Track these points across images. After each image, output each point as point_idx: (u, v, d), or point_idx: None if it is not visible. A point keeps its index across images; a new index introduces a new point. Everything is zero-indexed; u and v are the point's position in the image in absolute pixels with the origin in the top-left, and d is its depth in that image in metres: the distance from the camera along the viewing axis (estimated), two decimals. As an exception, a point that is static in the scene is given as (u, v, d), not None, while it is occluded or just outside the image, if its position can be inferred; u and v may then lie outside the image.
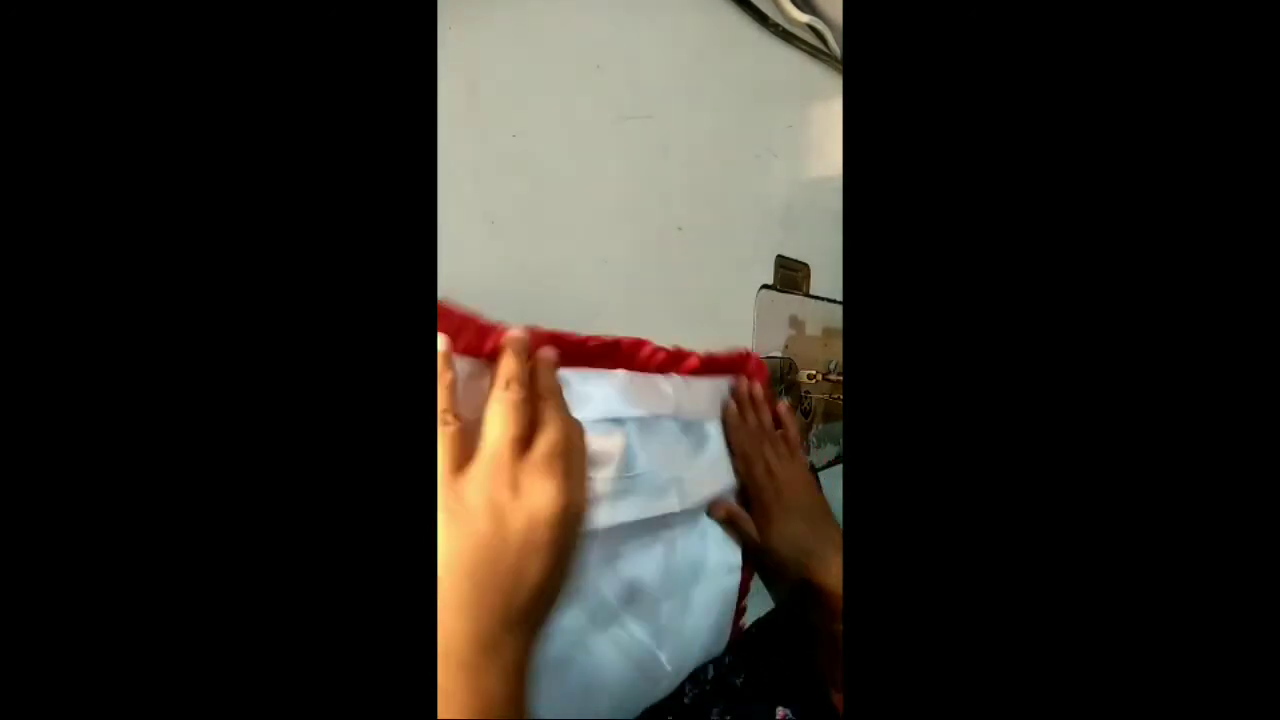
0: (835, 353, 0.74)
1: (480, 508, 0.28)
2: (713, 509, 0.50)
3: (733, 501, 0.52)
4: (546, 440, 0.31)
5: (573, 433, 0.32)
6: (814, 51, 0.66)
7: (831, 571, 0.48)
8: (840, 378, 0.74)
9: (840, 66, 0.68)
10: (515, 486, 0.29)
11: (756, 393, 0.53)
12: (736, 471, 0.52)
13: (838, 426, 0.76)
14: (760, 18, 0.59)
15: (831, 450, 0.76)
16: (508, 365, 0.32)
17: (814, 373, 0.70)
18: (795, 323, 0.67)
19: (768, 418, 0.54)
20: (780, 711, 0.59)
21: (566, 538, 0.30)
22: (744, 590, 0.55)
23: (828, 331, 0.73)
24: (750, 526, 0.50)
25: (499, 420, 0.30)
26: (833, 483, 0.74)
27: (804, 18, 0.63)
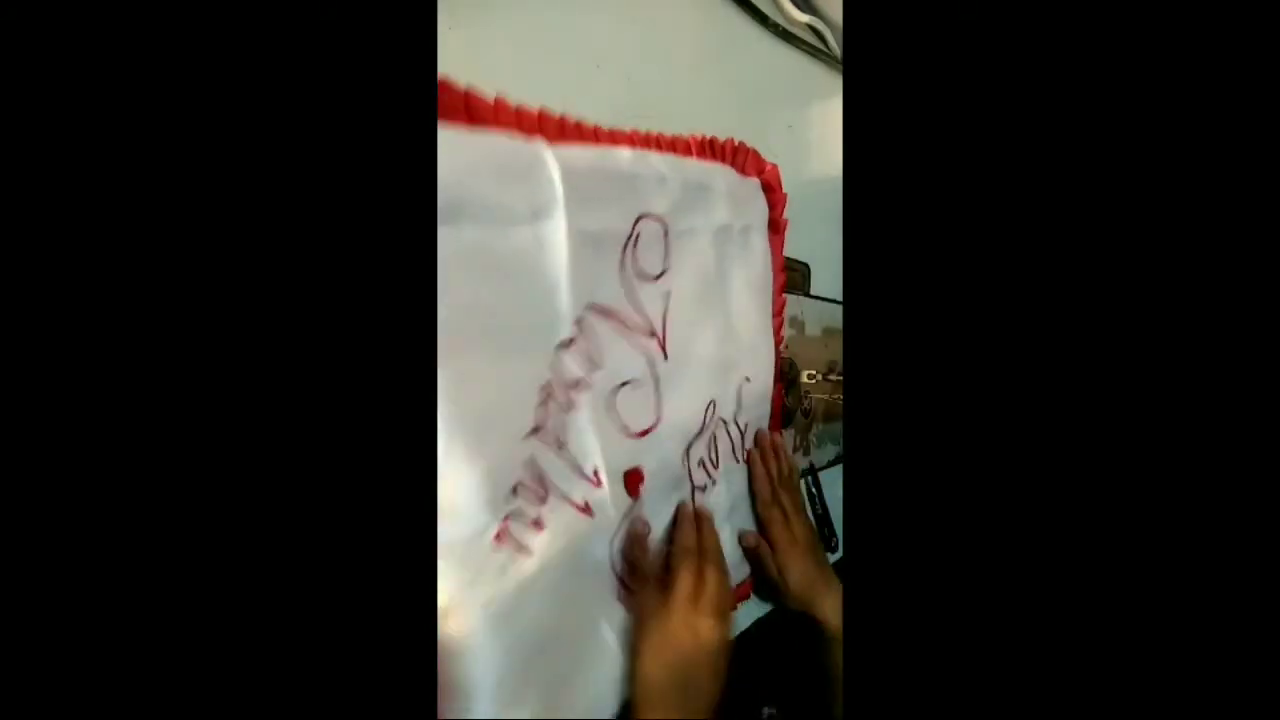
0: (835, 353, 0.74)
1: (682, 632, 0.42)
2: (743, 538, 0.56)
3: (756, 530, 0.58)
4: (714, 592, 0.44)
5: (726, 585, 0.47)
6: (814, 51, 0.66)
7: (829, 608, 0.56)
8: (840, 378, 0.74)
9: (840, 66, 0.68)
10: (697, 626, 0.42)
11: (778, 442, 0.60)
12: (755, 514, 0.58)
13: (838, 426, 0.76)
14: (760, 18, 0.59)
15: (831, 450, 0.76)
16: (686, 536, 0.46)
17: (814, 373, 0.70)
18: (795, 323, 0.67)
19: (785, 466, 0.60)
20: (766, 711, 0.60)
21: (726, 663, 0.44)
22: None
23: (828, 331, 0.73)
24: (772, 560, 0.56)
25: (686, 582, 0.44)
26: (833, 482, 0.74)
27: (804, 18, 0.63)
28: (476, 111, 0.35)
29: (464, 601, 0.32)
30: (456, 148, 0.33)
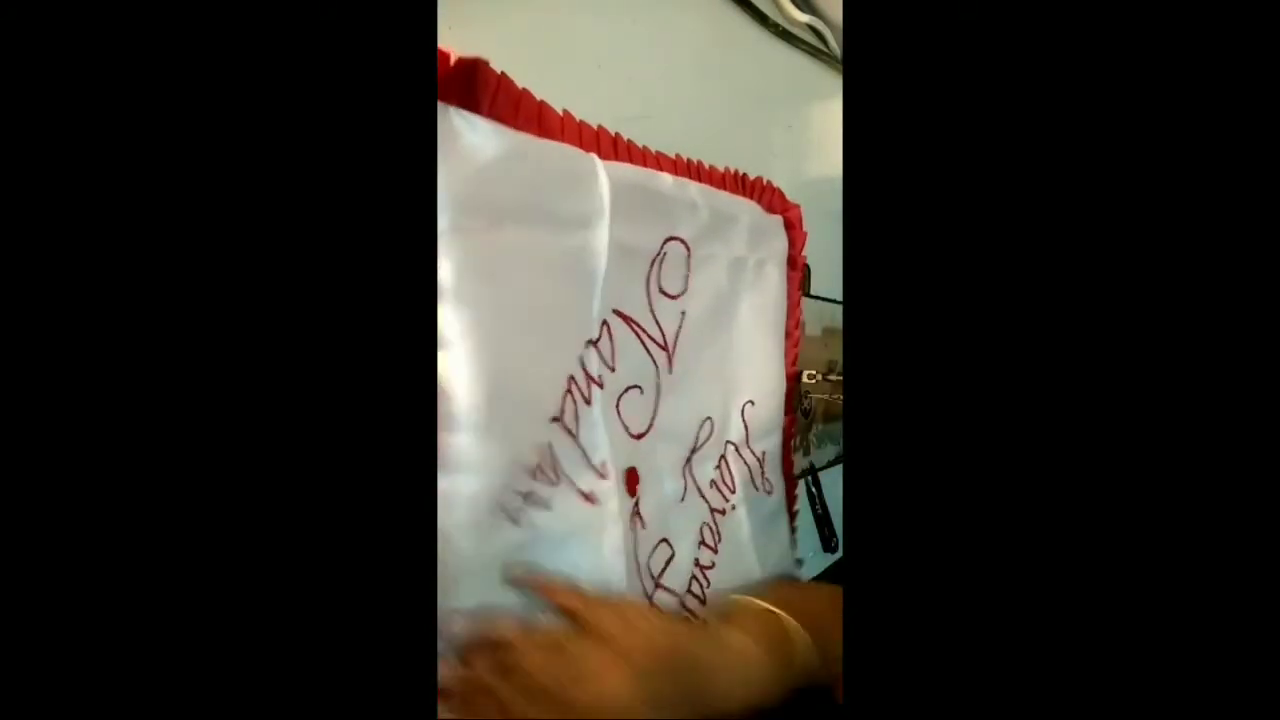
0: (835, 353, 0.74)
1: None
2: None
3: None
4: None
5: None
6: (814, 51, 0.66)
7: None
8: (840, 378, 0.74)
9: (840, 66, 0.68)
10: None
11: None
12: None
13: (838, 426, 0.77)
14: (760, 18, 0.59)
15: (831, 450, 0.76)
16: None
17: (814, 373, 0.70)
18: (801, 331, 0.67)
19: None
20: None
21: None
22: None
23: (828, 331, 0.73)
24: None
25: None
26: (833, 483, 0.74)
27: (804, 18, 0.63)
28: (547, 124, 0.39)
29: (467, 571, 0.34)
30: (530, 154, 0.37)
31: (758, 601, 0.45)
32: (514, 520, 0.37)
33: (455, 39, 0.35)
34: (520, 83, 0.39)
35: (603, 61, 0.46)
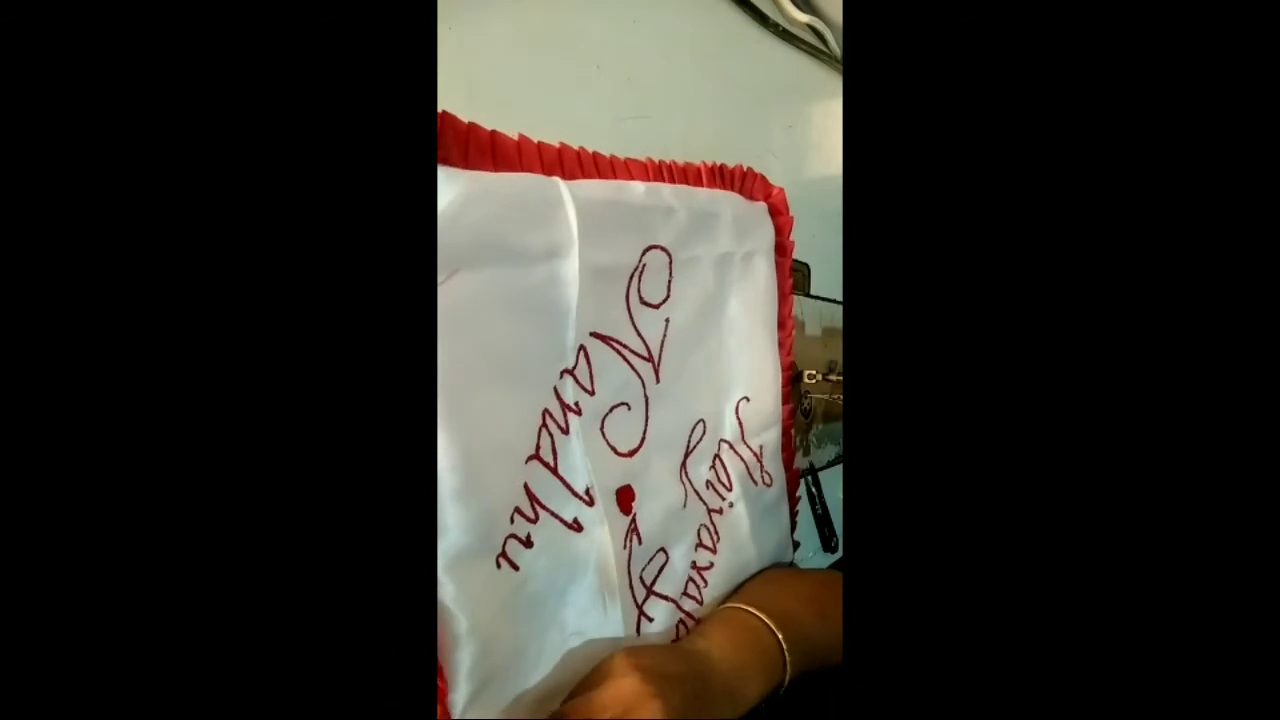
0: (835, 353, 0.74)
1: None
2: None
3: None
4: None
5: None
6: (814, 51, 0.66)
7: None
8: (840, 378, 0.74)
9: (840, 66, 0.68)
10: None
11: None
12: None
13: (838, 426, 0.77)
14: (760, 18, 0.59)
15: (831, 450, 0.76)
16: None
17: (814, 373, 0.70)
18: (795, 323, 0.67)
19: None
20: None
21: None
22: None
23: (828, 331, 0.73)
24: None
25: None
26: (833, 483, 0.74)
27: (804, 18, 0.63)
28: (501, 154, 0.36)
29: (470, 626, 0.34)
30: (482, 193, 0.34)
31: (742, 609, 0.48)
32: (501, 565, 0.36)
33: (454, 39, 0.35)
34: (519, 83, 0.39)
35: (603, 61, 0.46)
